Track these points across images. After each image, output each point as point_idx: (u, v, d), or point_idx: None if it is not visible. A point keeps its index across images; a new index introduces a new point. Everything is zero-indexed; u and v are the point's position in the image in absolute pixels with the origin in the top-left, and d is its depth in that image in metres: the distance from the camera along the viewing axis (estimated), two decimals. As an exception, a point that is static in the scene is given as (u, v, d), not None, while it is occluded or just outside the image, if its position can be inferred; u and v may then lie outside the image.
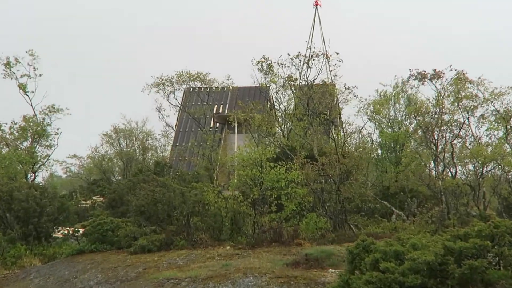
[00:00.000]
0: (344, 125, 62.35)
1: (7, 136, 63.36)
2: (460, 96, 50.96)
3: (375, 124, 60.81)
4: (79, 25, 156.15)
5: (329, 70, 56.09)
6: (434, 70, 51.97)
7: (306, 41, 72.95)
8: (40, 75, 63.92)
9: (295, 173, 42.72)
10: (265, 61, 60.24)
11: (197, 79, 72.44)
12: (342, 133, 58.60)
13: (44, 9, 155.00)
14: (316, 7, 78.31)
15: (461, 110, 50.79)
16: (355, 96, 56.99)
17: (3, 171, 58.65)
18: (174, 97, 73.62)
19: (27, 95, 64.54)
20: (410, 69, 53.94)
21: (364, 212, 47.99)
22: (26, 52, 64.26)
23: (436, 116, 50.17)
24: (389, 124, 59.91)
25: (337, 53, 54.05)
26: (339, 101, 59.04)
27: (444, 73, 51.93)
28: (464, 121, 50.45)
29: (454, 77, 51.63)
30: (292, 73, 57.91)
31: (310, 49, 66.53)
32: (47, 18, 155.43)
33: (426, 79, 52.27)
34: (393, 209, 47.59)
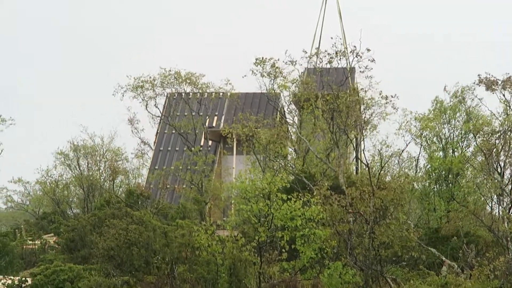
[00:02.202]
0: (381, 146, 62.64)
1: None
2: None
3: (421, 145, 61.19)
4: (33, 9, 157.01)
5: (361, 71, 56.70)
6: (509, 77, 52.55)
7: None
8: None
9: (315, 209, 43.12)
10: (265, 62, 60.85)
11: (187, 81, 72.34)
12: (377, 157, 58.92)
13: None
14: None
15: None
16: (394, 108, 57.31)
17: None
18: (154, 105, 73.57)
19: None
20: (479, 75, 54.35)
21: (405, 262, 48.35)
22: None
23: (503, 136, 50.59)
24: (441, 146, 60.29)
25: (368, 50, 54.73)
26: (373, 115, 59.30)
27: None
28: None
29: None
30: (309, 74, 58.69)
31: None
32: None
33: (495, 87, 52.74)
34: (444, 258, 47.95)
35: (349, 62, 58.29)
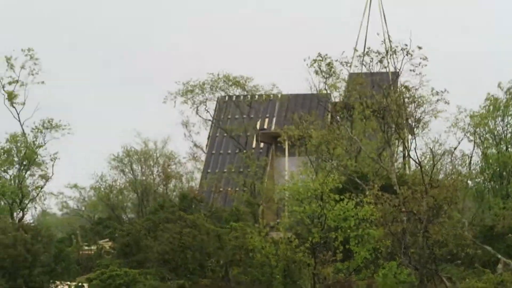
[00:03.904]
0: (433, 144, 62.22)
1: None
2: None
3: (475, 143, 60.74)
4: (80, 21, 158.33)
5: (411, 70, 56.40)
6: None
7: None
8: (42, 82, 65.07)
9: (368, 209, 43.20)
10: (323, 59, 60.89)
11: (236, 84, 72.72)
12: (430, 155, 58.50)
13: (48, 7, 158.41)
14: None
15: None
16: (446, 103, 56.74)
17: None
18: (205, 109, 74.05)
19: (14, 107, 65.21)
20: None
21: (461, 260, 48.15)
22: (22, 50, 64.65)
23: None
24: (495, 142, 59.82)
25: (420, 48, 54.43)
26: (425, 112, 58.80)
27: None
28: None
29: None
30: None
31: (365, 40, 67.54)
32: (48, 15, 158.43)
33: None
34: (499, 256, 47.64)
35: (395, 62, 57.68)
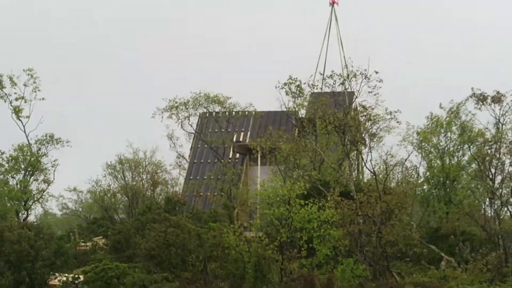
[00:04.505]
0: (386, 156, 62.47)
1: (-4, 169, 63.71)
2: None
3: (422, 155, 61.03)
4: (81, 40, 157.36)
5: (369, 92, 56.55)
6: (497, 92, 52.25)
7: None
8: (43, 99, 64.85)
9: (329, 212, 43.28)
10: (294, 82, 61.06)
11: (216, 102, 72.93)
12: (383, 166, 58.74)
13: (43, 27, 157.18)
14: (333, 6, 79.09)
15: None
16: (398, 122, 57.06)
17: (-10, 209, 59.39)
18: (189, 123, 74.10)
19: (21, 120, 65.13)
20: (472, 88, 53.77)
21: (409, 258, 48.29)
22: (23, 70, 64.30)
23: (494, 146, 50.42)
24: (439, 155, 60.11)
25: (377, 72, 54.55)
26: (379, 129, 59.09)
27: (505, 96, 52.22)
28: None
29: None
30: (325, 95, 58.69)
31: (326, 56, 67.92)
32: (45, 36, 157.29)
33: (486, 102, 52.44)
34: (442, 254, 47.86)
35: (353, 85, 57.75)
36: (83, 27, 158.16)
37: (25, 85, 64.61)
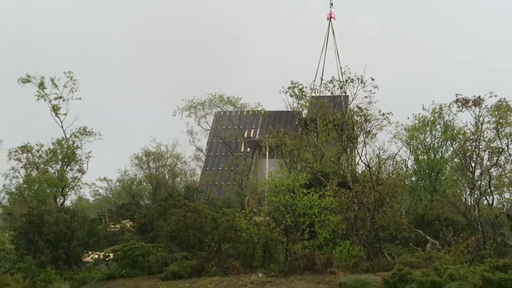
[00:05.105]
0: (378, 151, 62.25)
1: (36, 159, 64.03)
2: (502, 122, 50.92)
3: (410, 150, 60.75)
4: (115, 44, 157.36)
5: (365, 97, 56.28)
6: (478, 97, 51.95)
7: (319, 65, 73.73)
8: (79, 98, 64.86)
9: (329, 200, 43.01)
10: (296, 86, 60.91)
11: (229, 102, 73.15)
12: (376, 160, 58.49)
13: (78, 28, 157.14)
14: (330, 21, 78.89)
15: (501, 137, 50.73)
16: (389, 122, 56.87)
17: (33, 194, 59.47)
18: (205, 121, 74.23)
19: (59, 117, 65.36)
20: (456, 94, 53.44)
21: (399, 240, 48.02)
22: (64, 73, 64.77)
23: (474, 143, 50.13)
24: (425, 150, 59.86)
25: (373, 79, 54.30)
26: (373, 127, 58.93)
27: (484, 100, 51.84)
28: (503, 149, 50.22)
29: (495, 105, 51.50)
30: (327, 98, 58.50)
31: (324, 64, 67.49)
32: (79, 37, 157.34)
33: (468, 106, 52.16)
34: (428, 238, 47.54)
35: (352, 88, 57.55)
36: (117, 30, 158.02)
37: (65, 86, 64.92)
